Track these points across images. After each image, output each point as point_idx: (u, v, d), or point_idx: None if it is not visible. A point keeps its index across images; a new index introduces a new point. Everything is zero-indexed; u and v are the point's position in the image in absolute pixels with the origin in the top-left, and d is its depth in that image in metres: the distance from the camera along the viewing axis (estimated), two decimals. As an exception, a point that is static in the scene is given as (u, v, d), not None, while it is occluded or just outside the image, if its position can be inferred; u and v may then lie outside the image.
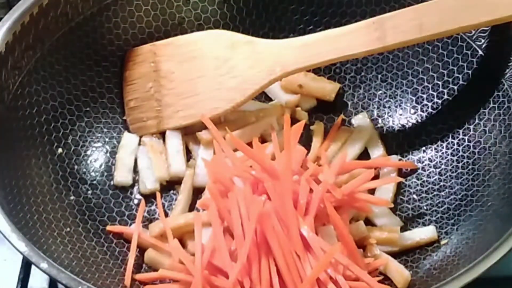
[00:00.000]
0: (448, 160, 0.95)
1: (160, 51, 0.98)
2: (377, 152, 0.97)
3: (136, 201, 0.94)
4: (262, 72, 0.93)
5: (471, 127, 0.94)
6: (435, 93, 0.98)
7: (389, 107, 1.01)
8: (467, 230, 0.87)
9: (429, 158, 0.97)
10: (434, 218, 0.91)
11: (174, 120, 0.96)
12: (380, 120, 1.01)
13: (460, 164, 0.94)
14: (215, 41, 0.96)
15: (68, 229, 0.87)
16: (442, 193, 0.93)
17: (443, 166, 0.95)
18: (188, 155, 0.96)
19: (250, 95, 0.93)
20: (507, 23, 0.88)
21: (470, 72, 0.95)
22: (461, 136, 0.95)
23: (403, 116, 1.00)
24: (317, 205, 0.82)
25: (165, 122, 0.96)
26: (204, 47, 0.96)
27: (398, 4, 0.98)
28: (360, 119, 1.00)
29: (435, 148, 0.96)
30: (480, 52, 0.93)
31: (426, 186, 0.95)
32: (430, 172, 0.96)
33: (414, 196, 0.94)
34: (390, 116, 1.01)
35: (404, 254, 0.89)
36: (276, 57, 0.93)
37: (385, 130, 1.00)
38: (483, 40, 0.93)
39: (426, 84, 0.99)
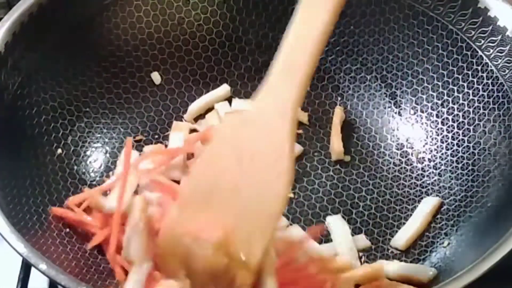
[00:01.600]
0: (447, 161, 0.95)
1: None
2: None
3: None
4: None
5: (471, 128, 0.94)
6: (434, 94, 0.98)
7: (388, 107, 1.01)
8: (467, 231, 0.87)
9: (428, 159, 0.97)
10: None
11: None
12: (380, 121, 1.01)
13: (459, 165, 0.94)
14: None
15: (68, 229, 0.87)
16: (442, 194, 0.93)
17: (442, 167, 0.95)
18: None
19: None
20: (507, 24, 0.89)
21: (470, 73, 0.95)
22: (460, 137, 0.95)
23: (402, 116, 1.00)
24: None
25: None
26: None
27: (398, 4, 0.98)
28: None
29: (435, 149, 0.96)
30: (480, 53, 0.93)
31: (426, 187, 0.95)
32: (429, 173, 0.96)
33: (414, 197, 0.95)
34: (390, 116, 1.01)
35: (403, 255, 0.89)
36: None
37: (384, 130, 1.00)
38: (483, 41, 0.93)
39: (425, 84, 0.99)
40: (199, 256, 0.74)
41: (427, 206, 0.92)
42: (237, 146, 0.75)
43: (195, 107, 1.01)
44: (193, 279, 0.76)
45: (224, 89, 1.03)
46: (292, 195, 0.94)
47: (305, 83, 0.76)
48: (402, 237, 0.90)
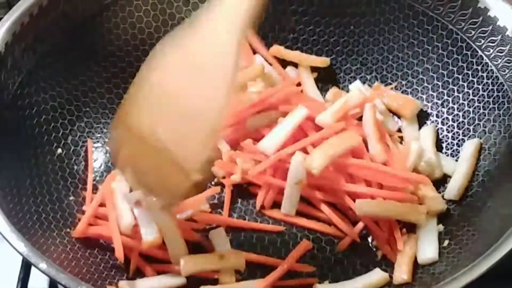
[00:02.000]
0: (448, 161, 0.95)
1: None
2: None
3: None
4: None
5: (471, 127, 0.94)
6: (434, 94, 0.98)
7: (389, 107, 1.01)
8: (467, 231, 0.87)
9: (428, 159, 0.97)
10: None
11: None
12: (379, 121, 1.01)
13: (459, 165, 0.94)
14: None
15: (68, 229, 0.87)
16: (442, 194, 0.93)
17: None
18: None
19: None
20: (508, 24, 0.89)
21: (470, 73, 0.95)
22: (460, 137, 0.95)
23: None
24: None
25: None
26: None
27: (398, 4, 0.98)
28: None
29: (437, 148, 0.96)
30: (480, 53, 0.93)
31: (426, 186, 0.95)
32: (430, 173, 0.96)
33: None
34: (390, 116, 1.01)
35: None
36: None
37: (384, 130, 1.00)
38: (483, 41, 0.93)
39: (425, 84, 0.99)
40: (144, 154, 0.79)
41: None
42: (187, 56, 0.79)
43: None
44: (137, 174, 0.81)
45: None
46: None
47: (255, 2, 0.79)
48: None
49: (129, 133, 0.78)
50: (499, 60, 0.91)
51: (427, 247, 0.87)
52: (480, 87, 0.94)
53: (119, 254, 0.83)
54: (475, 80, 0.94)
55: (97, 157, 0.96)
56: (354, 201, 0.88)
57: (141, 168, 0.80)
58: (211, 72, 0.78)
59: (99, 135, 0.97)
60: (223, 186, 0.93)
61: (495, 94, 0.92)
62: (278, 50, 1.02)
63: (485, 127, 0.92)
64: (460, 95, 0.96)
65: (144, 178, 0.81)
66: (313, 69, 1.02)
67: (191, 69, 0.78)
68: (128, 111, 0.79)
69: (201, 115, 0.77)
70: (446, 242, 0.88)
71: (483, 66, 0.93)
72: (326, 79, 1.03)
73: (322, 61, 1.02)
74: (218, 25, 0.79)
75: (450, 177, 0.93)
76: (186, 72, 0.78)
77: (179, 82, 0.78)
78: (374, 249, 0.88)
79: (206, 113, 0.77)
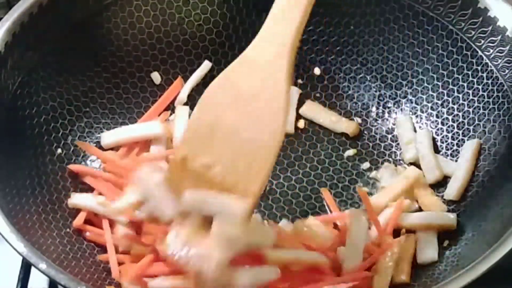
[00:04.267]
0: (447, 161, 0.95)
1: None
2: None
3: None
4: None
5: (471, 128, 0.94)
6: (434, 94, 0.98)
7: (388, 107, 1.01)
8: (467, 231, 0.87)
9: (428, 159, 0.97)
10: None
11: None
12: (379, 121, 1.01)
13: (459, 165, 0.94)
14: None
15: (68, 229, 0.87)
16: (442, 194, 0.93)
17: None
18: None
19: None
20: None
21: (470, 73, 0.95)
22: (460, 137, 0.95)
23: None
24: None
25: None
26: None
27: (398, 4, 0.98)
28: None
29: (435, 150, 0.96)
30: (480, 53, 0.93)
31: (426, 187, 0.95)
32: (429, 173, 0.96)
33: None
34: (389, 117, 1.01)
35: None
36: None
37: (384, 131, 1.00)
38: (483, 41, 0.93)
39: (425, 85, 0.99)
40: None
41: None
42: (235, 87, 0.80)
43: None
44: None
45: None
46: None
47: (301, 26, 0.80)
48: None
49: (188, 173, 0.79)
50: (499, 60, 0.91)
51: (427, 248, 0.87)
52: (480, 87, 0.94)
53: (116, 274, 0.82)
54: (475, 80, 0.94)
55: (97, 158, 0.97)
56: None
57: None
58: (265, 100, 0.78)
59: (99, 135, 0.97)
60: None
61: (495, 94, 0.92)
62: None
63: (485, 127, 0.92)
64: (460, 95, 0.96)
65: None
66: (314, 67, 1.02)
67: (244, 101, 0.79)
68: (185, 154, 0.79)
69: (260, 144, 0.78)
70: (446, 243, 0.88)
71: (483, 66, 0.93)
72: (326, 82, 1.03)
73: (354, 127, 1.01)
74: (265, 52, 0.80)
75: (449, 177, 0.93)
76: (240, 104, 0.79)
77: (234, 116, 0.79)
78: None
79: (265, 142, 0.78)
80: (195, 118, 0.81)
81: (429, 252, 0.87)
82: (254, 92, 0.79)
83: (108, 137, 0.96)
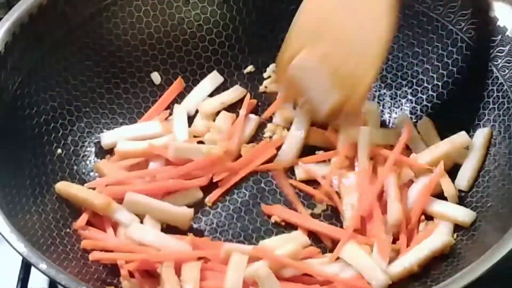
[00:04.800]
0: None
1: None
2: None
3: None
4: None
5: (471, 128, 0.94)
6: (434, 94, 0.98)
7: (388, 107, 1.01)
8: (467, 231, 0.87)
9: (428, 159, 0.97)
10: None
11: None
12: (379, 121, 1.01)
13: (459, 165, 0.94)
14: None
15: (68, 229, 0.87)
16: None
17: (442, 167, 0.95)
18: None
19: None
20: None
21: (470, 73, 0.95)
22: (460, 137, 0.95)
23: (402, 117, 1.00)
24: None
25: None
26: None
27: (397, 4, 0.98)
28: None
29: (435, 149, 0.96)
30: (480, 54, 0.93)
31: (426, 187, 0.95)
32: (430, 173, 0.96)
33: (414, 197, 0.95)
34: (389, 117, 1.01)
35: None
36: None
37: (384, 130, 1.00)
38: (483, 41, 0.93)
39: (425, 85, 0.99)
40: (313, 82, 0.85)
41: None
42: None
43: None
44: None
45: (237, 89, 1.02)
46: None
47: None
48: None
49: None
50: (499, 60, 0.91)
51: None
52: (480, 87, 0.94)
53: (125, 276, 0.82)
54: (475, 81, 0.94)
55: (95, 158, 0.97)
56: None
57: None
58: (368, 9, 0.84)
59: (99, 135, 0.97)
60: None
61: (495, 94, 0.92)
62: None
63: (485, 127, 0.92)
64: (460, 96, 0.96)
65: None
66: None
67: (350, 5, 0.84)
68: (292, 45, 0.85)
69: (365, 44, 0.83)
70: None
71: (483, 66, 0.93)
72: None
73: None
74: None
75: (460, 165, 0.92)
76: (346, 8, 0.84)
77: (341, 20, 0.84)
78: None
79: (369, 41, 0.83)
80: (303, 15, 0.86)
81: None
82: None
83: (108, 137, 0.96)
